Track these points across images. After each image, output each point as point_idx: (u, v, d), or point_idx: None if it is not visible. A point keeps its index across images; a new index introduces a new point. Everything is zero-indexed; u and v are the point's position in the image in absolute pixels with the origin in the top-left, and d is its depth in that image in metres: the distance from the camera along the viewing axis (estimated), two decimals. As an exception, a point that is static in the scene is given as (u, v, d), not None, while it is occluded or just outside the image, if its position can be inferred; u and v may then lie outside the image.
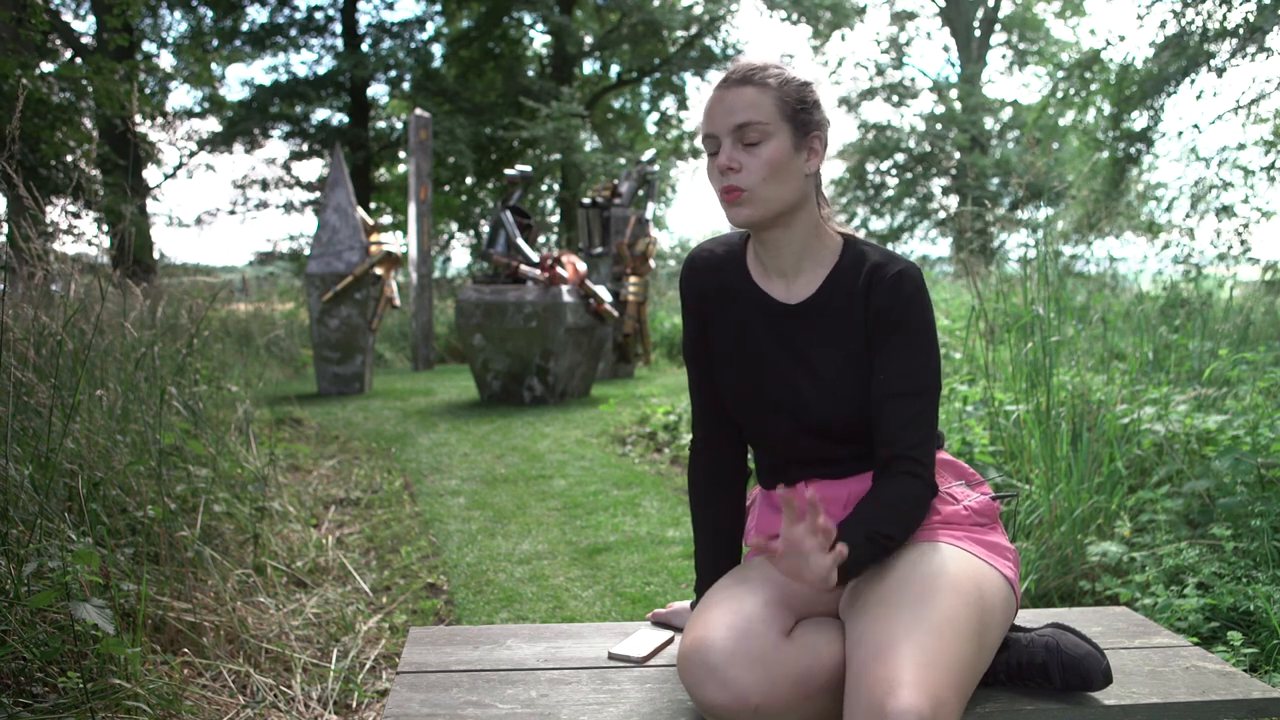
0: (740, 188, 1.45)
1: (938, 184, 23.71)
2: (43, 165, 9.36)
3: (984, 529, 1.53)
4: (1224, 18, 9.20)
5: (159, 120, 15.48)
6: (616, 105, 21.83)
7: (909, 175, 23.82)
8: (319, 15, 18.28)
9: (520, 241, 7.44)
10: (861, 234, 1.59)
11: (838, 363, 1.50)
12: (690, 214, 39.58)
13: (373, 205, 19.05)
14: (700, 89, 20.28)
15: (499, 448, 5.51)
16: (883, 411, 1.45)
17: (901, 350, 1.45)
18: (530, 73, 19.32)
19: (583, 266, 7.40)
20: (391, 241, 8.00)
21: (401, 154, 19.68)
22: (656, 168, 9.76)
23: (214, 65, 16.43)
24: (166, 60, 18.40)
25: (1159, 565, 2.62)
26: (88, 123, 9.39)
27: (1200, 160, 10.06)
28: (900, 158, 23.88)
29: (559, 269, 7.20)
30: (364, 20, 18.49)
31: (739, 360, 1.56)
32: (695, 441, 1.67)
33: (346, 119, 18.44)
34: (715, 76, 1.54)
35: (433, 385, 8.48)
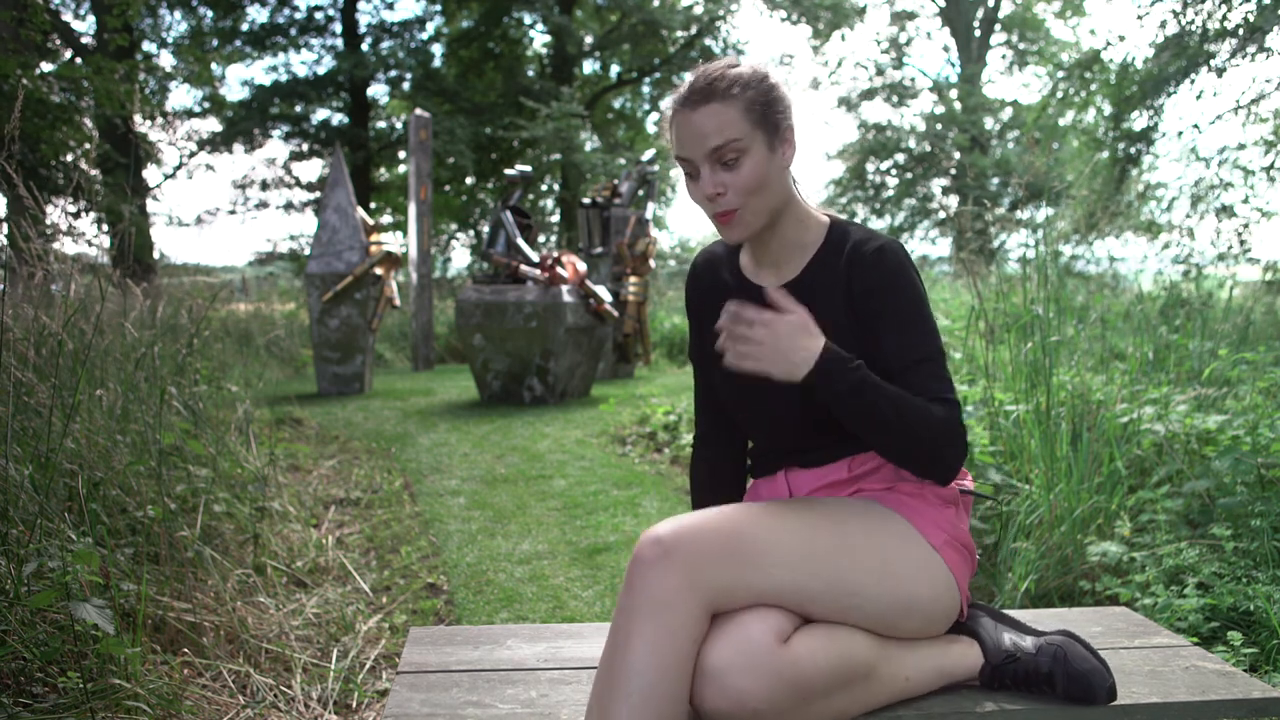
0: (731, 209, 1.46)
1: (938, 184, 23.71)
2: (43, 165, 9.37)
3: (938, 507, 1.52)
4: (1224, 18, 9.20)
5: (159, 120, 15.49)
6: (616, 105, 21.84)
7: (909, 175, 23.82)
8: (319, 15, 18.30)
9: (520, 241, 7.45)
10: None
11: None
12: (690, 214, 39.61)
13: (373, 205, 19.06)
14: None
15: (499, 448, 5.51)
16: (902, 385, 1.45)
17: (896, 326, 1.45)
18: (530, 73, 19.33)
19: (583, 266, 7.40)
20: (391, 241, 8.00)
21: (401, 154, 19.68)
22: (656, 168, 9.77)
23: (214, 65, 16.43)
24: (166, 60, 18.43)
25: (1159, 565, 2.62)
26: (88, 123, 9.40)
27: (1200, 160, 10.06)
28: (900, 158, 23.89)
29: (559, 269, 7.20)
30: (364, 20, 18.52)
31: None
32: (696, 439, 1.72)
33: (346, 119, 18.44)
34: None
35: (433, 385, 8.48)
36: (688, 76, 1.49)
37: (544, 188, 19.13)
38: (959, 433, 1.42)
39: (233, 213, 19.61)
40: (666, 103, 1.52)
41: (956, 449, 1.42)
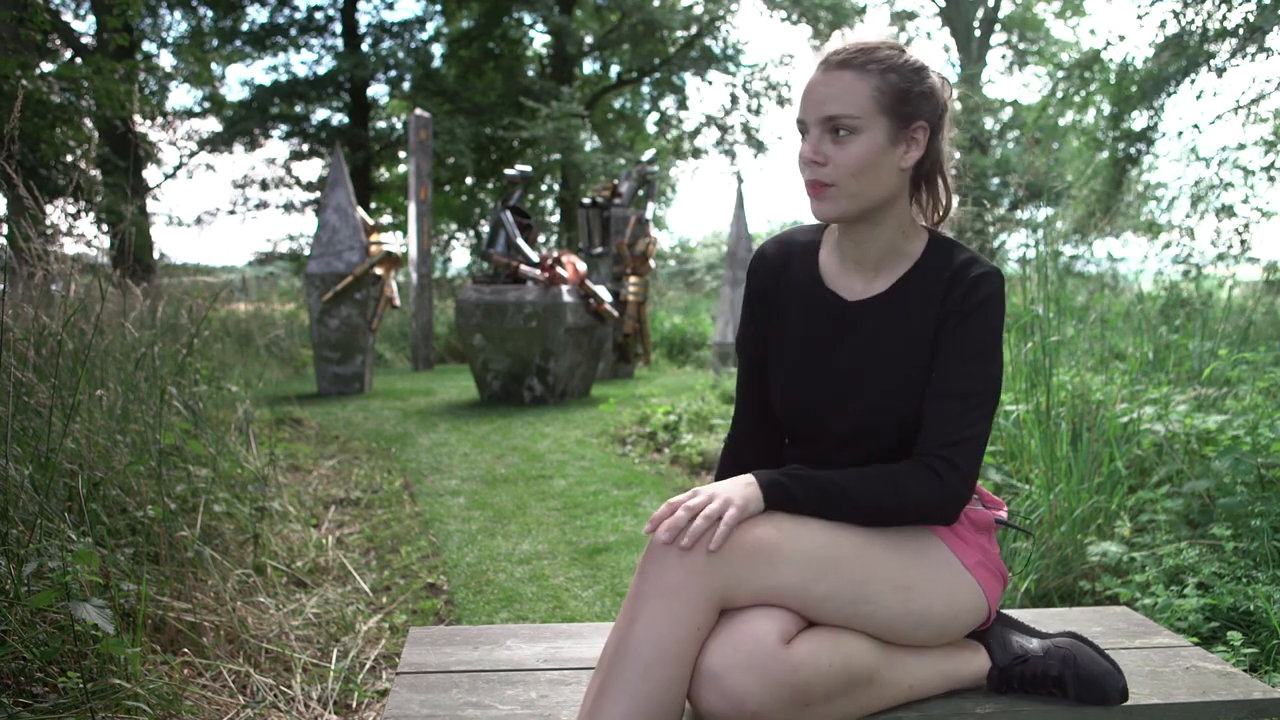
0: (825, 182, 1.38)
1: (938, 184, 23.66)
2: (43, 165, 9.36)
3: (973, 533, 1.50)
4: (1224, 18, 9.21)
5: (159, 120, 15.49)
6: (616, 105, 21.84)
7: (909, 175, 23.77)
8: (319, 15, 18.29)
9: (520, 241, 7.45)
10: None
11: (889, 363, 1.45)
12: (690, 214, 39.66)
13: (373, 205, 19.06)
14: (701, 89, 20.33)
15: (499, 448, 5.51)
16: (926, 414, 1.42)
17: (956, 353, 1.41)
18: (530, 73, 19.34)
19: (583, 266, 7.40)
20: (391, 241, 8.01)
21: (401, 154, 19.68)
22: (656, 168, 9.77)
23: (214, 65, 16.43)
24: (166, 60, 18.42)
25: (1159, 565, 2.62)
26: (88, 123, 9.39)
27: (1200, 160, 10.07)
28: (900, 158, 23.83)
29: (559, 269, 7.20)
30: (364, 20, 18.51)
31: (792, 355, 1.53)
32: (729, 437, 1.65)
33: (346, 119, 18.44)
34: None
35: (433, 385, 8.48)
36: (842, 40, 1.42)
37: (544, 188, 19.13)
38: (940, 483, 1.37)
39: (233, 213, 19.61)
40: (808, 62, 1.44)
41: (935, 501, 1.38)
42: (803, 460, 1.56)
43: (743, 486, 1.36)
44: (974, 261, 1.44)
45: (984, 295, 1.41)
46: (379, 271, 7.79)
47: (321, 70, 18.45)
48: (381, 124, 20.22)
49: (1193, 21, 9.47)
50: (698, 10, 18.64)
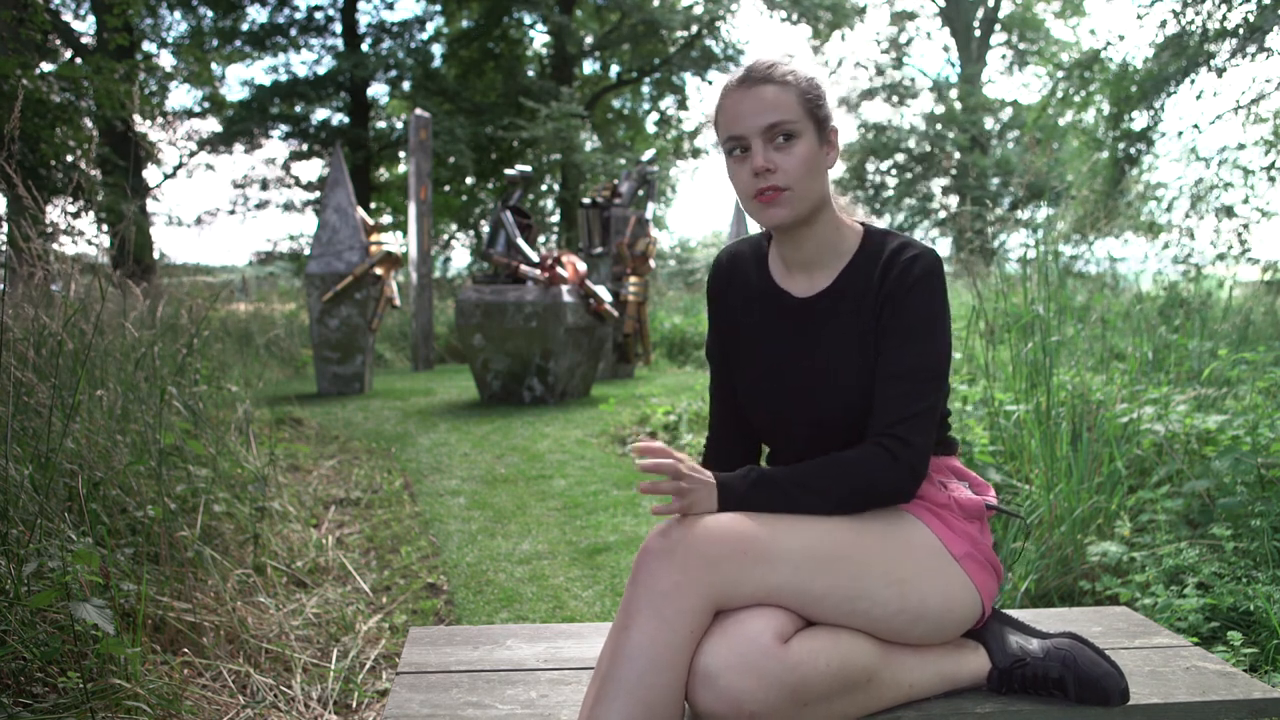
0: (780, 187, 1.44)
1: (938, 184, 23.72)
2: (43, 165, 9.36)
3: (963, 521, 1.51)
4: (1224, 18, 9.21)
5: (159, 120, 15.48)
6: (616, 105, 21.84)
7: (909, 175, 23.84)
8: (319, 15, 18.31)
9: (520, 241, 7.44)
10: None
11: (847, 357, 1.49)
12: (690, 214, 39.71)
13: (373, 205, 19.07)
14: (701, 89, 20.37)
15: (499, 448, 5.51)
16: (875, 396, 1.45)
17: (899, 333, 1.44)
18: (530, 73, 19.34)
19: (583, 266, 7.40)
20: (391, 241, 8.01)
21: (401, 154, 19.69)
22: (656, 168, 9.77)
23: (214, 65, 16.43)
24: (166, 60, 18.43)
25: (1159, 565, 2.62)
26: (88, 123, 9.39)
27: (1200, 160, 10.07)
28: (900, 158, 23.90)
29: (559, 269, 7.20)
30: (364, 20, 18.53)
31: (753, 357, 1.57)
32: (708, 441, 1.69)
33: (346, 119, 18.45)
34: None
35: (433, 385, 8.48)
36: (744, 64, 1.50)
37: (544, 188, 19.14)
38: (893, 461, 1.40)
39: (233, 213, 19.63)
40: (719, 87, 1.52)
41: (891, 479, 1.41)
42: (779, 459, 1.58)
43: (709, 485, 1.40)
44: (906, 245, 1.48)
45: (917, 274, 1.44)
46: (379, 271, 7.79)
47: (321, 70, 18.47)
48: (381, 124, 20.24)
49: (1193, 21, 9.48)
50: (698, 10, 18.64)
